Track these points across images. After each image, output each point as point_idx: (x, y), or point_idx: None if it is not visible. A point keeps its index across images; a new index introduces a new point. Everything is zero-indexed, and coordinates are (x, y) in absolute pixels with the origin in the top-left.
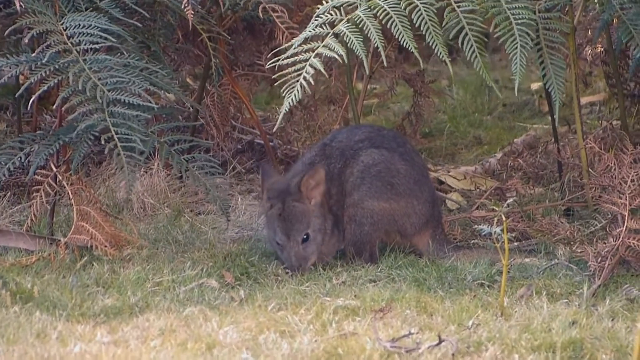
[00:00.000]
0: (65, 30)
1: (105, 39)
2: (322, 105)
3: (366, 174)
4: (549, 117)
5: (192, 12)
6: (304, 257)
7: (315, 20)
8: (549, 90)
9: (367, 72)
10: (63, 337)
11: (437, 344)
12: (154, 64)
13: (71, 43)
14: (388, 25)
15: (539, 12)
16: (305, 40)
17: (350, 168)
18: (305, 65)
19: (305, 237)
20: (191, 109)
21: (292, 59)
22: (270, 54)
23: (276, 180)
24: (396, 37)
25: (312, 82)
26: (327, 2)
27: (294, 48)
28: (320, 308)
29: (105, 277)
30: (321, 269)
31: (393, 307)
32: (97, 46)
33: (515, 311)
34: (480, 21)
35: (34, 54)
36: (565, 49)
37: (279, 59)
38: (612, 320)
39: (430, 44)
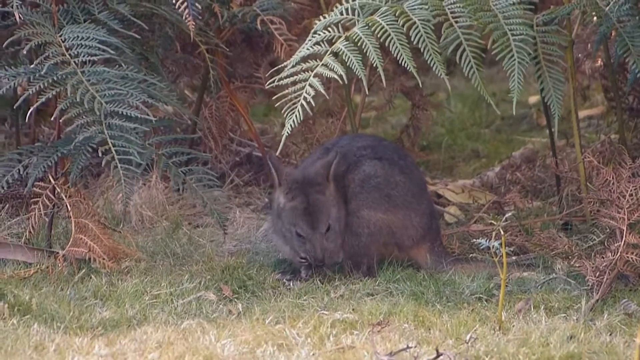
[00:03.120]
0: (63, 42)
1: (104, 50)
2: (320, 118)
3: (366, 184)
4: (547, 131)
5: (193, 24)
6: (327, 248)
7: (313, 37)
8: (548, 103)
9: (366, 90)
10: (61, 349)
11: (435, 358)
12: (152, 75)
13: (69, 55)
14: (386, 43)
15: (537, 26)
16: (304, 59)
17: (352, 174)
18: (305, 85)
19: (327, 227)
20: (189, 121)
21: (291, 79)
22: (270, 72)
23: (290, 171)
24: (394, 55)
25: (313, 103)
26: (324, 17)
27: (292, 66)
28: (318, 321)
29: (103, 289)
30: (319, 282)
31: (391, 321)
32: (95, 58)
33: (513, 325)
34: (478, 37)
35: (32, 66)
36: (564, 62)
37: (277, 78)
38: (610, 334)
39: (428, 61)
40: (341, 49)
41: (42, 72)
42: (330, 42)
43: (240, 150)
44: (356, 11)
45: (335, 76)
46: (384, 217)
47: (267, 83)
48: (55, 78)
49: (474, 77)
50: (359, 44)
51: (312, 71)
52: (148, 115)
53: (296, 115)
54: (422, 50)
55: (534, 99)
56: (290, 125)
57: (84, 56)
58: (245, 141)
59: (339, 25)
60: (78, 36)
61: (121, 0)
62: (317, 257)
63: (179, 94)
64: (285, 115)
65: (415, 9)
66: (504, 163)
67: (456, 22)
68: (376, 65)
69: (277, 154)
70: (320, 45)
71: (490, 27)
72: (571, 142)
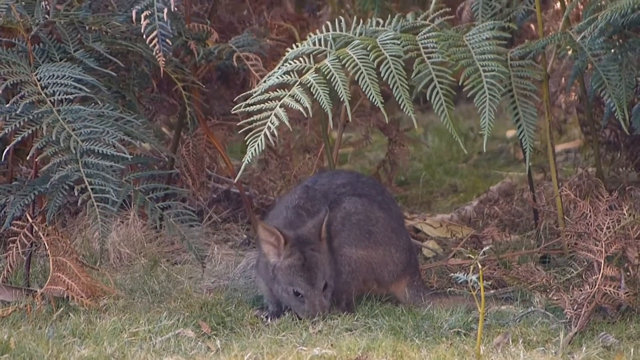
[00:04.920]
0: (39, 80)
1: (80, 89)
2: (298, 154)
3: (347, 221)
4: (524, 165)
5: (164, 60)
6: (325, 305)
7: (284, 65)
8: (520, 138)
9: (331, 124)
10: None
11: None
12: (129, 113)
13: (45, 94)
14: (356, 77)
15: (512, 60)
16: (272, 87)
17: (333, 212)
18: (271, 114)
19: (324, 285)
20: (166, 158)
21: (258, 107)
22: (237, 97)
23: (285, 231)
24: (363, 89)
25: (276, 133)
26: (296, 46)
27: (259, 94)
28: (296, 357)
29: (81, 327)
30: (297, 318)
31: (369, 356)
32: (71, 96)
33: (492, 359)
34: (449, 74)
35: (7, 105)
36: (538, 96)
37: (242, 105)
38: None
39: (397, 98)
40: (310, 81)
41: (17, 111)
42: (300, 73)
43: (218, 187)
44: (329, 43)
45: (301, 108)
46: (365, 254)
47: (233, 109)
48: (31, 117)
49: (444, 115)
50: (328, 77)
51: (279, 100)
52: (124, 153)
53: (258, 144)
54: (391, 86)
55: (511, 133)
56: (252, 153)
57: (59, 95)
58: (223, 178)
59: (310, 56)
60: (54, 75)
61: (97, 39)
62: (317, 314)
63: (156, 132)
64: (248, 143)
65: (387, 43)
66: (481, 197)
67: (429, 58)
68: (343, 99)
69: (236, 180)
70: (289, 75)
71: (462, 63)
72: (548, 176)
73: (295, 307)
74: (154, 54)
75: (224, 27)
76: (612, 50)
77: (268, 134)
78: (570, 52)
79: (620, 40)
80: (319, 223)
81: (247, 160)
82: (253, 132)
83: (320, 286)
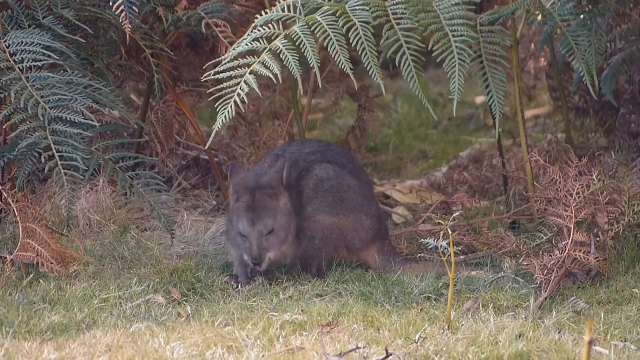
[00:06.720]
0: (7, 47)
1: (48, 56)
2: (267, 120)
3: (319, 188)
4: (494, 131)
5: (130, 27)
6: (265, 248)
7: (253, 32)
8: (489, 104)
9: (301, 90)
10: (10, 354)
11: (385, 358)
12: (98, 80)
13: (14, 60)
14: (325, 44)
15: (481, 25)
16: (242, 54)
17: (305, 180)
18: (240, 81)
19: (270, 230)
20: (135, 125)
21: (227, 74)
22: (207, 65)
23: (244, 176)
24: (332, 56)
25: (246, 100)
26: (265, 12)
27: (228, 61)
28: (267, 323)
29: (51, 293)
30: (267, 284)
31: (340, 322)
32: (39, 63)
33: (462, 324)
34: (418, 39)
35: None
36: (507, 62)
37: (212, 73)
38: (559, 332)
39: (365, 64)
40: (279, 47)
41: None
42: (269, 39)
43: (187, 154)
44: (297, 8)
45: (271, 75)
46: (336, 221)
47: (203, 76)
48: None
49: (413, 81)
50: (297, 43)
51: (248, 67)
52: (92, 120)
53: (228, 111)
54: (359, 52)
55: (480, 99)
56: (222, 120)
57: (28, 62)
58: (192, 144)
59: (280, 22)
60: (22, 41)
61: (65, 5)
62: (253, 255)
63: (125, 99)
64: (217, 110)
65: (356, 9)
66: (451, 163)
67: (397, 23)
68: (313, 65)
69: (206, 147)
70: (258, 41)
71: (432, 28)
72: (518, 142)
73: (242, 248)
74: (120, 21)
75: None
76: (582, 16)
77: (238, 100)
78: (539, 18)
79: (590, 6)
80: (280, 170)
81: (217, 128)
82: (223, 99)
83: (261, 229)
